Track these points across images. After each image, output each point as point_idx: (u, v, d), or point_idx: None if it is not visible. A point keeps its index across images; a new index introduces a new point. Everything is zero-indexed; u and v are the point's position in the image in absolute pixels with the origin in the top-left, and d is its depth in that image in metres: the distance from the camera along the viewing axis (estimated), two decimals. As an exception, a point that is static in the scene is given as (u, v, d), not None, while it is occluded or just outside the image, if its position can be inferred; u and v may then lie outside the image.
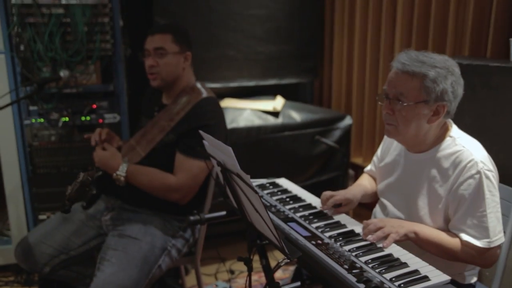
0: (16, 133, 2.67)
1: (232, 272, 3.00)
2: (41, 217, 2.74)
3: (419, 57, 1.56)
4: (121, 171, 2.05)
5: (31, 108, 2.66)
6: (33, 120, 2.66)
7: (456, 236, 1.57)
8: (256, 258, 1.45)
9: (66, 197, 2.08)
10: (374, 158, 1.98)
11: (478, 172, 1.53)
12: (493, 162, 1.61)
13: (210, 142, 1.47)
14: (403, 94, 1.56)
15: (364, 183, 1.95)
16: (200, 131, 1.56)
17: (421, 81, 1.53)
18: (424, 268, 1.35)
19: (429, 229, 1.59)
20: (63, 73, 2.42)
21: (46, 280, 2.31)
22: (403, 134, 1.62)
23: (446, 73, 1.54)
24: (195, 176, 2.07)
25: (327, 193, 1.75)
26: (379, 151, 1.94)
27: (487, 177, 1.54)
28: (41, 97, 2.63)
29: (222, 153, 1.37)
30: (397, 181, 1.77)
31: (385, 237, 1.50)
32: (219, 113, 2.18)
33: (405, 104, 1.55)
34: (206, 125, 2.05)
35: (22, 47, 2.53)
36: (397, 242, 1.51)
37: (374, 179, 1.97)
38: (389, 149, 1.85)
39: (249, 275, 1.54)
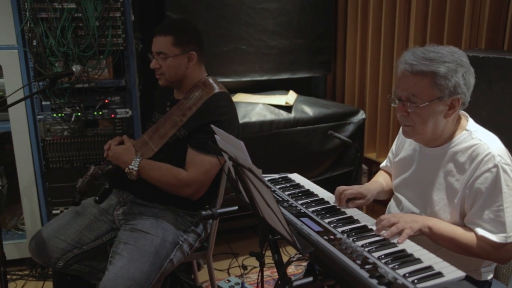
0: (29, 128, 2.69)
1: (244, 267, 3.00)
2: (55, 211, 2.76)
3: (425, 54, 1.53)
4: (134, 165, 2.06)
5: (44, 103, 2.67)
6: (46, 115, 2.67)
7: (472, 231, 1.55)
8: (268, 253, 1.44)
9: (76, 189, 2.11)
10: (390, 154, 1.96)
11: (495, 166, 1.50)
12: (510, 156, 1.58)
13: (222, 137, 1.46)
14: (415, 95, 1.53)
15: (380, 180, 1.94)
16: (212, 126, 1.55)
17: (432, 79, 1.50)
18: (438, 264, 1.32)
19: (443, 224, 1.56)
20: (75, 68, 2.42)
21: (60, 274, 2.33)
22: (421, 133, 1.59)
23: (456, 66, 1.51)
24: (207, 171, 2.07)
25: (340, 188, 1.73)
26: (394, 146, 1.92)
27: (505, 171, 1.51)
28: (53, 92, 2.64)
29: (234, 147, 1.36)
30: (413, 176, 1.75)
31: (399, 232, 1.48)
32: (231, 108, 2.17)
33: (419, 105, 1.53)
34: (218, 121, 2.04)
35: (34, 42, 2.54)
36: (411, 237, 1.48)
37: (390, 175, 1.95)
38: (403, 144, 1.83)
39: (261, 270, 1.53)
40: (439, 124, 1.57)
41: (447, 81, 1.50)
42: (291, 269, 2.95)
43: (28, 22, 2.52)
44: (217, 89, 2.17)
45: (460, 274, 1.27)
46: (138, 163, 2.06)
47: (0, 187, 1.88)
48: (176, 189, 2.07)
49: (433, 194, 1.64)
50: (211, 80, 2.21)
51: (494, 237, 1.50)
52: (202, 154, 2.05)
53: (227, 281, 2.79)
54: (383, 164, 2.02)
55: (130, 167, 2.05)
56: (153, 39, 2.15)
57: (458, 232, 1.54)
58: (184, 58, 2.13)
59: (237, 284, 2.76)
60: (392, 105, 1.63)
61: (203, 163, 2.05)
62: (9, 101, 2.27)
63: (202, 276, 2.85)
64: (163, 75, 2.15)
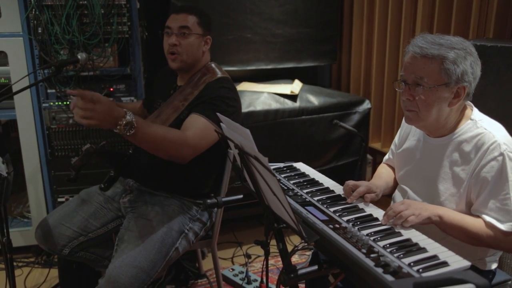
0: (34, 116, 2.69)
1: (248, 256, 3.01)
2: (60, 199, 2.77)
3: (435, 39, 1.54)
4: (129, 115, 1.72)
5: (49, 91, 2.68)
6: (51, 103, 2.67)
7: (480, 219, 1.54)
8: (272, 242, 1.44)
9: (71, 166, 2.06)
10: (392, 146, 1.95)
11: (501, 154, 1.50)
12: None
13: (227, 125, 1.45)
14: (423, 78, 1.53)
15: (384, 176, 1.92)
16: (218, 114, 1.54)
17: (441, 64, 1.51)
18: (444, 253, 1.32)
19: (453, 213, 1.56)
20: (81, 56, 2.41)
21: (65, 261, 2.35)
22: (424, 119, 1.59)
23: (465, 54, 1.52)
24: (203, 134, 1.96)
25: (350, 183, 1.71)
26: (396, 138, 1.91)
27: (511, 159, 1.51)
28: (58, 80, 2.64)
29: (240, 135, 1.35)
30: (417, 166, 1.75)
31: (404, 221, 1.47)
32: (233, 90, 2.15)
33: (426, 88, 1.52)
34: (219, 96, 2.04)
35: (40, 30, 2.54)
36: (420, 225, 1.48)
37: (393, 169, 1.94)
38: (407, 134, 1.83)
39: (266, 259, 1.54)
40: (443, 111, 1.57)
41: (455, 66, 1.50)
42: (294, 258, 2.96)
43: (34, 10, 2.51)
44: (219, 74, 2.16)
45: (466, 263, 1.27)
46: (132, 115, 1.74)
47: (7, 175, 1.88)
48: (176, 147, 1.91)
49: (438, 185, 1.64)
50: (213, 65, 2.20)
51: (501, 226, 1.50)
52: (202, 117, 1.98)
53: (231, 270, 2.81)
54: (386, 158, 2.01)
55: (127, 117, 1.70)
56: (172, 16, 2.14)
57: (468, 221, 1.53)
58: (202, 41, 2.14)
59: (241, 272, 2.78)
60: (397, 90, 1.63)
61: (204, 126, 1.97)
62: (14, 88, 2.27)
63: (206, 264, 2.87)
64: (179, 55, 2.12)
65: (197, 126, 1.98)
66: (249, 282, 2.68)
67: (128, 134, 1.72)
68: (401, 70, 1.61)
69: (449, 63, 1.50)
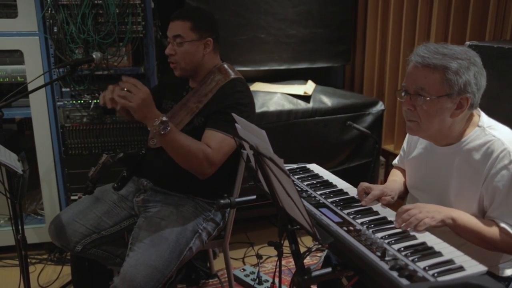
0: (49, 114, 2.71)
1: (260, 256, 3.01)
2: (73, 197, 2.79)
3: (438, 49, 1.51)
4: (165, 117, 1.86)
5: (64, 89, 2.70)
6: (66, 102, 2.69)
7: (495, 224, 1.52)
8: (284, 243, 1.44)
9: (88, 178, 2.11)
10: (401, 152, 1.94)
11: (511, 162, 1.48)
12: None
13: (242, 126, 1.45)
14: (424, 88, 1.51)
15: (398, 180, 1.91)
16: (233, 114, 1.54)
17: (443, 74, 1.48)
18: (460, 257, 1.31)
19: (468, 216, 1.54)
20: (96, 55, 2.43)
21: (78, 259, 2.36)
22: (425, 130, 1.57)
23: (468, 64, 1.49)
24: (225, 152, 2.02)
25: (363, 184, 1.70)
26: (405, 144, 1.89)
27: None
28: (73, 79, 2.66)
29: (255, 136, 1.35)
30: (426, 176, 1.73)
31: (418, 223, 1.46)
32: (247, 93, 2.15)
33: (427, 98, 1.50)
34: (234, 103, 2.03)
35: (55, 29, 2.56)
36: (434, 227, 1.47)
37: (404, 171, 1.93)
38: (415, 142, 1.81)
39: (279, 260, 1.53)
40: (444, 122, 1.54)
41: (457, 77, 1.47)
42: (305, 260, 2.95)
43: (50, 9, 2.53)
44: (233, 75, 2.16)
45: (482, 268, 1.26)
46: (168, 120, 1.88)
47: (22, 173, 1.90)
48: (198, 163, 1.96)
49: (449, 194, 1.62)
50: (226, 66, 2.19)
51: None
52: (220, 133, 2.00)
53: (242, 270, 2.81)
54: (395, 162, 2.00)
55: (164, 118, 1.85)
56: (169, 25, 2.14)
57: (482, 225, 1.51)
58: (200, 45, 2.12)
59: (252, 273, 2.78)
60: (399, 99, 1.61)
61: (223, 143, 2.00)
62: (30, 87, 2.29)
63: (218, 264, 2.87)
64: (178, 63, 2.13)
65: (216, 143, 1.99)
66: (260, 283, 2.68)
67: (162, 132, 1.84)
68: (404, 80, 1.59)
69: (451, 73, 1.47)
